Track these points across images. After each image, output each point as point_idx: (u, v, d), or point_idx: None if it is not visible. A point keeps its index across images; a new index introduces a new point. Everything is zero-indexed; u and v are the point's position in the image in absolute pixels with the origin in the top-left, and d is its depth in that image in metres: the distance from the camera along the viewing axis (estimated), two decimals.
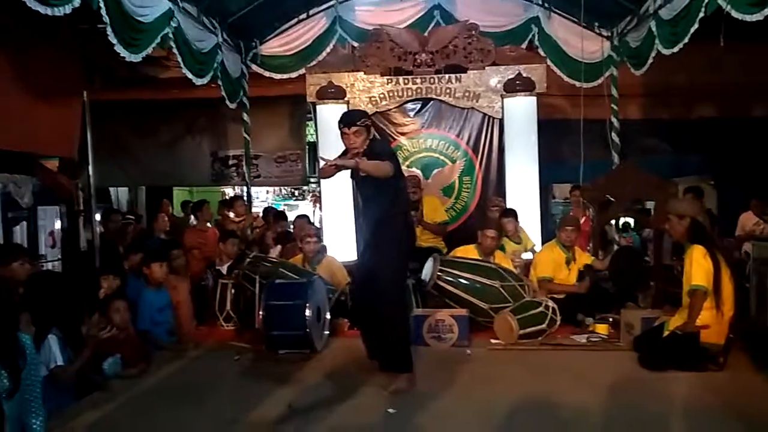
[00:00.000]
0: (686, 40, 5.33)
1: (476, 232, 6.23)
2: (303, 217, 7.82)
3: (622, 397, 3.90)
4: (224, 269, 6.39)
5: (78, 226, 7.30)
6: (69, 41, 6.21)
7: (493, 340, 5.20)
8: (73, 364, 3.86)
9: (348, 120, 4.25)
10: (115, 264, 5.75)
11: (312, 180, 11.19)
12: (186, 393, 4.12)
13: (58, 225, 6.28)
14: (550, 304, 5.41)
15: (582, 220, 7.28)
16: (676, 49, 5.58)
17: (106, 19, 4.39)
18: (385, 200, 4.20)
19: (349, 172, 4.29)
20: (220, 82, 7.01)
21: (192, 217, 8.82)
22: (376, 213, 4.24)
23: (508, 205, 6.93)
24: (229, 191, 12.02)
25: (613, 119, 7.58)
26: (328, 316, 5.34)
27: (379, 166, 4.00)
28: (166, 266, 5.42)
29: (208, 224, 7.85)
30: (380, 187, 4.13)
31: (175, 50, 5.70)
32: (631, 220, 7.41)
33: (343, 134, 4.22)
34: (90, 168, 6.76)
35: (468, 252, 6.09)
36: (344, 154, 4.30)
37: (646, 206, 7.67)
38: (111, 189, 10.52)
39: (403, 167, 5.81)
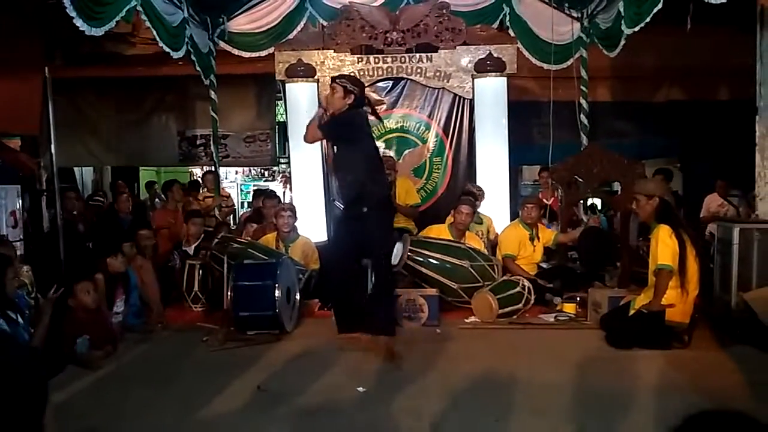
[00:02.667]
0: (648, 19, 5.34)
1: (446, 213, 6.25)
2: (273, 196, 7.77)
3: (589, 374, 3.95)
4: (191, 250, 6.31)
5: (41, 206, 7.15)
6: (28, 15, 6.01)
7: (467, 320, 5.24)
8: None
9: (336, 76, 4.72)
10: (76, 245, 5.64)
11: (282, 160, 11.08)
12: (153, 375, 4.08)
13: (18, 204, 6.11)
14: (526, 284, 5.49)
15: (550, 201, 7.36)
16: (637, 29, 5.60)
17: None
18: (371, 166, 4.50)
19: None
20: (193, 58, 6.87)
21: (156, 198, 8.71)
22: (364, 178, 4.42)
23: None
24: (198, 171, 11.85)
25: (582, 101, 7.62)
26: (299, 297, 5.31)
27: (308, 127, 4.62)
28: (133, 247, 5.35)
29: (177, 204, 7.74)
30: (342, 143, 4.54)
31: (148, 24, 5.55)
32: (598, 201, 7.49)
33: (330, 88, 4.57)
34: (52, 147, 6.58)
35: (440, 231, 6.12)
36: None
37: (614, 188, 7.77)
38: (75, 169, 10.31)
39: None
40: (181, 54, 6.25)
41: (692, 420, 1.36)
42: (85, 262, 5.05)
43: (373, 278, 4.43)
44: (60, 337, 4.12)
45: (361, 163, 4.43)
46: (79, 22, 4.48)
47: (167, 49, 5.92)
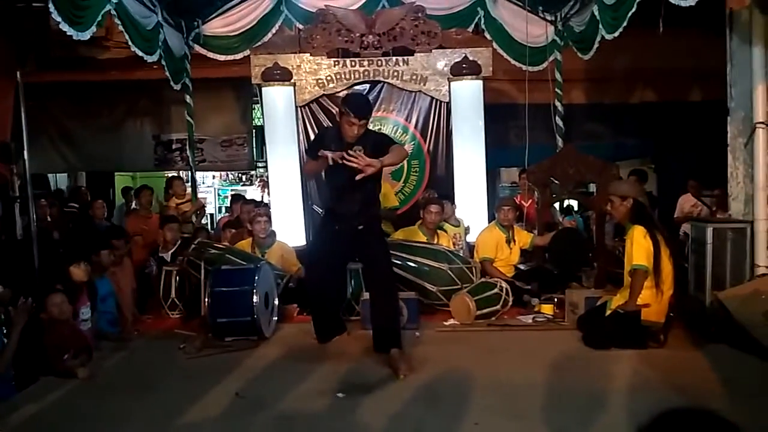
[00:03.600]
0: (625, 23, 5.42)
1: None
2: (249, 202, 7.73)
3: (567, 375, 3.98)
4: (168, 256, 6.25)
5: (14, 213, 7.02)
6: None
7: (446, 322, 5.26)
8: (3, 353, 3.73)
9: (364, 111, 4.12)
10: (51, 252, 5.55)
11: (259, 164, 11.02)
12: (129, 383, 4.03)
13: None
14: (504, 285, 5.51)
15: (528, 203, 7.42)
16: (616, 34, 5.68)
17: None
18: (376, 184, 4.32)
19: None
20: (163, 63, 6.80)
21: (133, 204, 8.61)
22: (369, 197, 4.27)
23: (456, 190, 7.03)
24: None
25: (557, 103, 7.69)
26: (277, 302, 5.28)
27: (400, 153, 4.20)
28: (111, 254, 5.28)
29: (151, 210, 7.66)
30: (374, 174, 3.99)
31: (121, 28, 5.49)
32: (574, 203, 7.56)
33: (348, 121, 4.00)
34: (25, 153, 6.47)
35: (412, 233, 6.15)
36: (324, 138, 4.27)
37: (590, 189, 7.84)
38: (49, 175, 10.16)
39: None
40: (155, 58, 6.19)
41: (661, 418, 1.37)
42: (56, 270, 4.94)
43: (380, 293, 4.33)
44: (41, 351, 4.05)
45: (369, 182, 4.07)
46: (65, 27, 4.44)
47: (141, 54, 5.86)
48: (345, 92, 7.23)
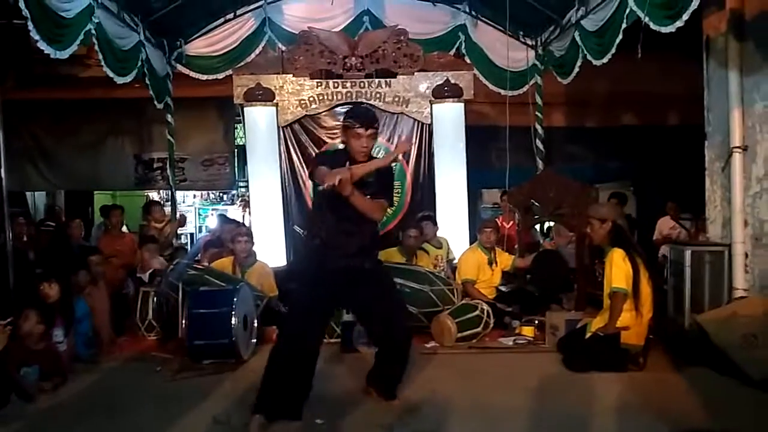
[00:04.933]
0: (613, 50, 5.51)
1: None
2: (231, 221, 7.67)
3: (546, 397, 3.97)
4: (146, 277, 6.17)
5: None
6: None
7: (428, 345, 5.23)
8: None
9: (368, 119, 3.63)
10: (26, 272, 5.46)
11: (241, 184, 10.97)
12: (105, 406, 3.93)
13: None
14: (485, 307, 5.51)
15: (509, 225, 7.44)
16: (605, 60, 5.75)
17: (26, 13, 4.13)
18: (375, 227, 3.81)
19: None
20: (147, 81, 6.78)
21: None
22: (376, 233, 3.82)
23: (438, 211, 7.05)
24: (154, 195, 11.62)
25: (538, 126, 7.76)
26: (256, 324, 5.22)
27: (374, 207, 3.56)
28: (87, 274, 5.21)
29: (125, 230, 7.56)
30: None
31: (96, 48, 5.46)
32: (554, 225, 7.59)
33: (354, 134, 3.58)
34: (2, 170, 6.39)
35: (391, 255, 6.13)
36: (330, 155, 3.80)
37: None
38: (27, 193, 10.02)
39: None
40: (127, 79, 6.09)
41: None
42: (29, 289, 4.85)
43: (395, 351, 3.84)
44: (3, 367, 3.96)
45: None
46: (44, 45, 4.41)
47: (111, 74, 5.77)
48: (326, 113, 7.26)
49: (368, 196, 3.54)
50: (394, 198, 7.21)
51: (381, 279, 3.86)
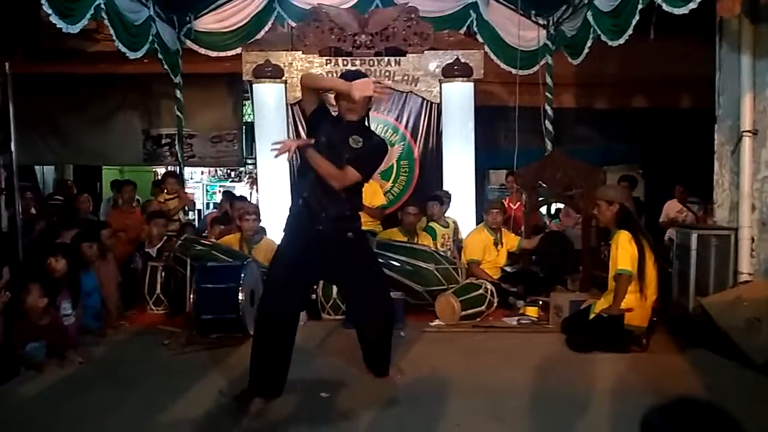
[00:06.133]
0: (630, 31, 5.45)
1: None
2: (239, 199, 7.71)
3: (549, 376, 4.00)
4: (154, 252, 6.22)
5: None
6: None
7: (432, 323, 5.27)
8: None
9: (357, 78, 3.50)
10: (34, 245, 5.51)
11: (249, 161, 11.00)
12: (112, 379, 4.00)
13: None
14: (489, 286, 5.54)
15: (516, 206, 7.45)
16: (622, 41, 5.69)
17: None
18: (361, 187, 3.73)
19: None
20: (160, 56, 6.79)
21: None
22: (358, 202, 3.75)
23: (445, 190, 7.04)
24: (162, 171, 11.67)
25: (547, 107, 7.73)
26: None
27: (333, 173, 3.44)
28: (96, 247, 5.25)
29: (134, 205, 7.61)
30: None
31: (107, 22, 5.46)
32: (562, 206, 7.59)
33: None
34: (13, 145, 6.42)
35: (392, 234, 6.19)
36: (323, 115, 3.66)
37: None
38: (36, 167, 10.08)
39: None
40: (139, 54, 6.12)
41: (670, 407, 1.39)
42: (37, 263, 4.90)
43: (376, 323, 3.83)
44: (11, 342, 4.03)
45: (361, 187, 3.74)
46: (56, 20, 4.42)
47: (123, 49, 5.78)
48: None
49: (344, 161, 3.48)
50: (401, 177, 7.36)
51: (365, 252, 3.83)
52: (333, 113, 3.73)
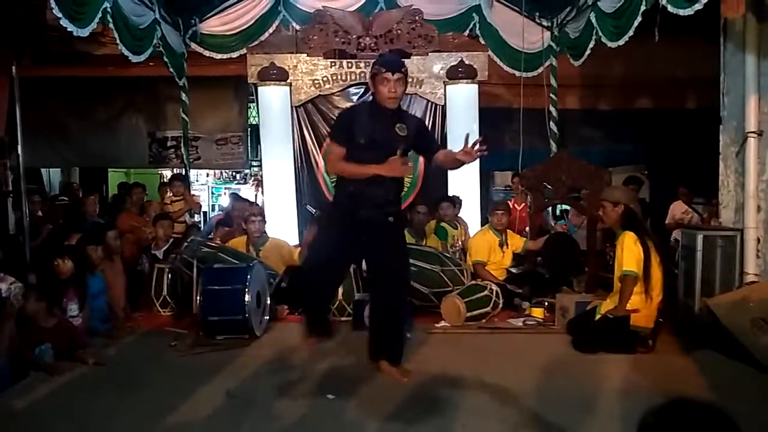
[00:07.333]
0: (631, 32, 5.45)
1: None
2: (243, 200, 7.73)
3: (555, 377, 4.00)
4: (160, 254, 6.25)
5: (7, 208, 7.01)
6: None
7: (437, 324, 5.28)
8: None
9: (394, 64, 3.67)
10: (41, 247, 5.55)
11: (254, 163, 11.03)
12: (120, 381, 4.01)
13: None
14: (494, 287, 5.54)
15: (521, 207, 7.44)
16: (621, 42, 5.69)
17: None
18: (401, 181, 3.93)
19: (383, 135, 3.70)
20: (166, 59, 6.81)
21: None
22: (400, 187, 3.91)
23: (450, 192, 7.06)
24: (168, 174, 11.72)
25: (552, 109, 7.73)
26: (269, 302, 5.29)
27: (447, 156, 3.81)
28: (101, 250, 5.27)
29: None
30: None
31: (111, 25, 5.49)
32: (567, 208, 7.59)
33: (383, 80, 3.62)
34: (19, 147, 6.46)
35: None
36: (353, 119, 3.77)
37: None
38: (43, 170, 10.13)
39: None
40: (142, 58, 6.11)
41: (667, 407, 1.40)
42: (43, 265, 4.93)
43: (392, 304, 3.93)
44: (20, 345, 4.05)
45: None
46: (66, 23, 4.45)
47: (126, 53, 5.79)
48: (339, 93, 7.27)
49: (396, 151, 3.63)
50: (406, 179, 7.34)
51: (399, 233, 4.02)
52: (363, 108, 3.92)
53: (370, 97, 7.32)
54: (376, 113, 3.73)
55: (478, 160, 6.98)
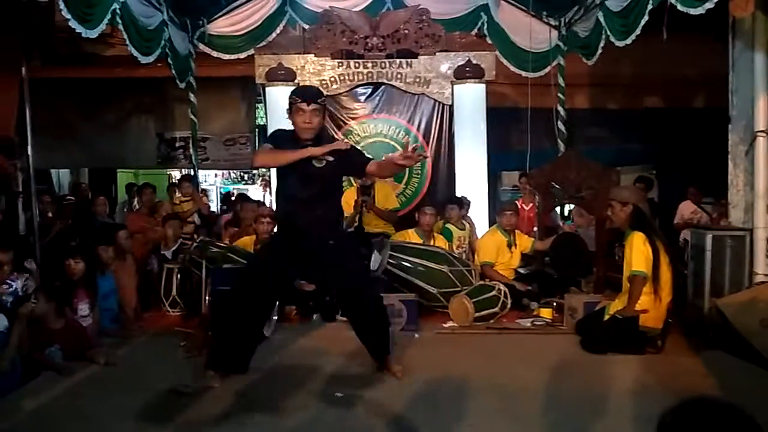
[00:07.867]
0: (638, 31, 5.44)
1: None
2: (252, 201, 7.75)
3: (563, 378, 3.99)
4: (169, 254, 6.27)
5: (17, 208, 7.06)
6: (5, 15, 5.96)
7: (445, 324, 5.28)
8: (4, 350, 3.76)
9: (308, 94, 3.75)
10: (51, 247, 5.58)
11: None
12: (130, 381, 4.03)
13: None
14: (502, 287, 5.53)
15: (529, 207, 7.44)
16: (629, 41, 5.67)
17: None
18: (339, 197, 3.98)
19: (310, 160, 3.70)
20: (169, 61, 6.84)
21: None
22: (339, 208, 3.97)
23: (458, 192, 7.06)
24: (176, 174, 11.77)
25: (560, 108, 7.72)
26: (277, 303, 5.29)
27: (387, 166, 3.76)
28: (112, 250, 5.29)
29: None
30: (338, 182, 3.93)
31: (120, 26, 5.52)
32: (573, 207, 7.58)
33: (297, 110, 3.68)
34: (29, 148, 6.51)
35: (407, 236, 6.18)
36: (280, 137, 3.84)
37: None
38: (52, 171, 10.20)
39: None
40: (151, 59, 6.15)
41: (687, 405, 1.39)
42: (54, 265, 4.96)
43: (366, 319, 3.99)
44: (30, 346, 4.08)
45: (338, 191, 4.00)
46: (75, 24, 4.48)
47: (136, 54, 5.82)
48: (346, 93, 7.29)
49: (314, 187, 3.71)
50: (413, 179, 7.37)
51: (345, 254, 3.96)
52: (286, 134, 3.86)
53: (377, 98, 7.35)
54: (295, 142, 3.74)
55: (485, 161, 7.10)
